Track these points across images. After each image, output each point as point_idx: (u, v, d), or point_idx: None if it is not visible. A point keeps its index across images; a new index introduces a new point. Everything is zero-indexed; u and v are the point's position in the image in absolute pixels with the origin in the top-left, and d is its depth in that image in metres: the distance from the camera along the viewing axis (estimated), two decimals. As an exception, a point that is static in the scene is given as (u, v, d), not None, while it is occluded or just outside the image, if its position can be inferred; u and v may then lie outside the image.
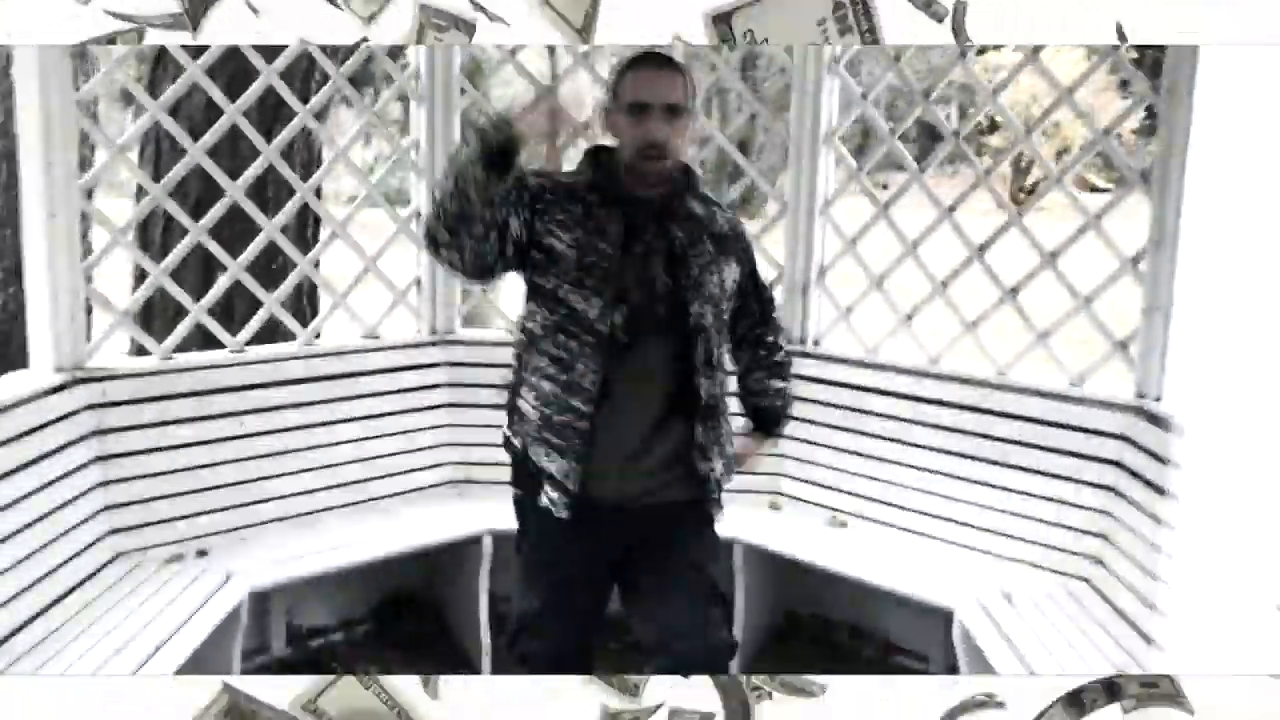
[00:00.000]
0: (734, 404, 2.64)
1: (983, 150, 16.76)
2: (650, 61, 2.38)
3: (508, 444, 2.50)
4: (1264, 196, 2.16)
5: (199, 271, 4.49)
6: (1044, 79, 3.61)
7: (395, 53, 4.41)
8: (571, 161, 2.54)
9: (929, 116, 3.93)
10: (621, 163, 2.38)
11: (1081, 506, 3.37)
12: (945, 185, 4.85)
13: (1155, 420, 3.23)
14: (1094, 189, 15.58)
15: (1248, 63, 1.83)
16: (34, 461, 3.05)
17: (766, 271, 4.07)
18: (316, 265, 4.16)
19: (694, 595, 2.44)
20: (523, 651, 2.52)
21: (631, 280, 2.33)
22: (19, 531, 2.93)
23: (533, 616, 2.51)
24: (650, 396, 2.38)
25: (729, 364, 2.56)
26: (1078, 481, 3.40)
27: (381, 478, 3.91)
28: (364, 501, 3.86)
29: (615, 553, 2.47)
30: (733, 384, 2.66)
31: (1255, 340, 1.82)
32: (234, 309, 4.33)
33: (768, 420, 2.73)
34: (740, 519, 3.76)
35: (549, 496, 2.40)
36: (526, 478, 2.45)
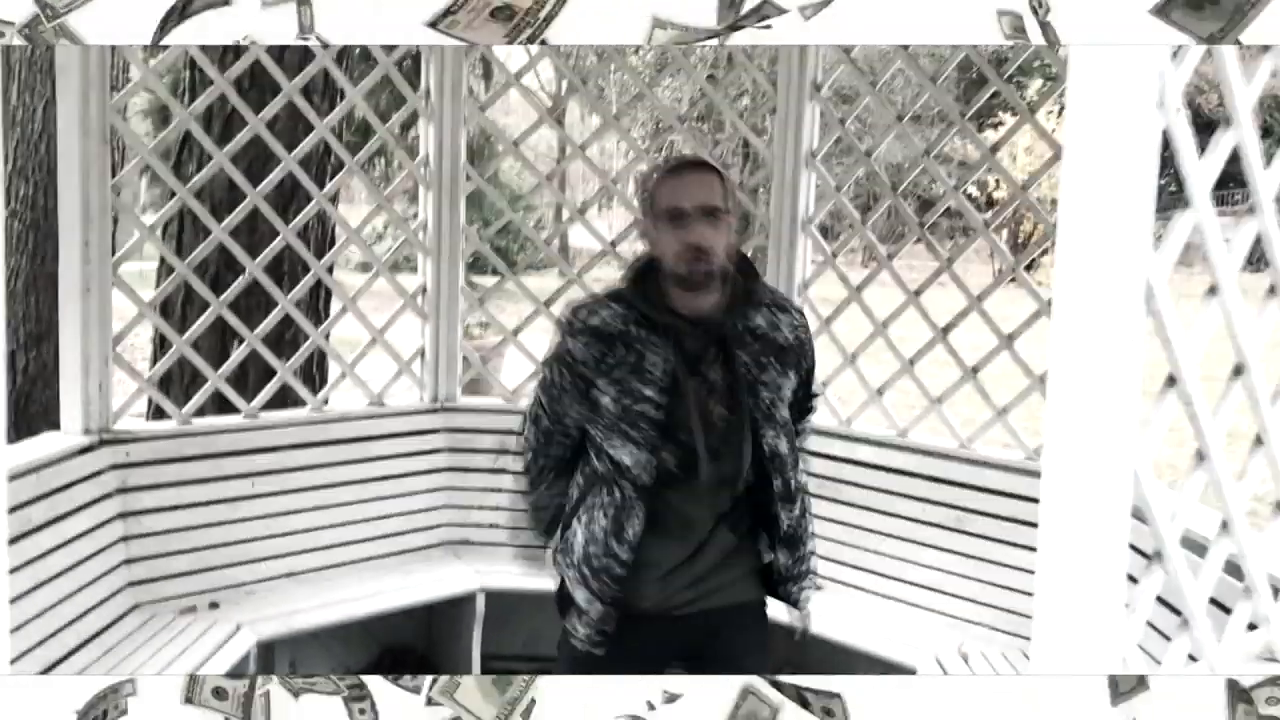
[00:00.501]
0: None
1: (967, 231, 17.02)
2: (683, 166, 2.32)
3: (554, 561, 2.46)
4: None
5: (215, 340, 4.77)
6: (1038, 156, 3.92)
7: (406, 142, 4.72)
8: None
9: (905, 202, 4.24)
10: (667, 276, 2.26)
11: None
12: (924, 267, 5.09)
13: (1102, 493, 3.47)
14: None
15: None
16: (62, 516, 3.31)
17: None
18: (327, 337, 4.44)
19: None
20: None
21: (682, 423, 2.23)
22: (47, 581, 3.17)
23: None
24: (708, 534, 2.31)
25: (804, 479, 2.42)
26: (1034, 549, 3.61)
27: (383, 537, 4.16)
28: (366, 560, 4.10)
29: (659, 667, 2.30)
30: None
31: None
32: (248, 375, 4.61)
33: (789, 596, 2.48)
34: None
35: (582, 634, 2.33)
36: (564, 602, 2.40)
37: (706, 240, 2.21)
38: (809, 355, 2.41)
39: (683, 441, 2.24)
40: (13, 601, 3.01)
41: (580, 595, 2.32)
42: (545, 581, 3.97)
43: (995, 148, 4.06)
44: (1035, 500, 3.46)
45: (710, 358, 2.26)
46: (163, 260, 5.14)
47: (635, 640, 2.30)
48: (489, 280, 4.93)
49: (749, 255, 2.45)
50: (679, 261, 2.22)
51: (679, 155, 2.51)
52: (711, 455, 2.24)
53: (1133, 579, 1.65)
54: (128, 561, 3.58)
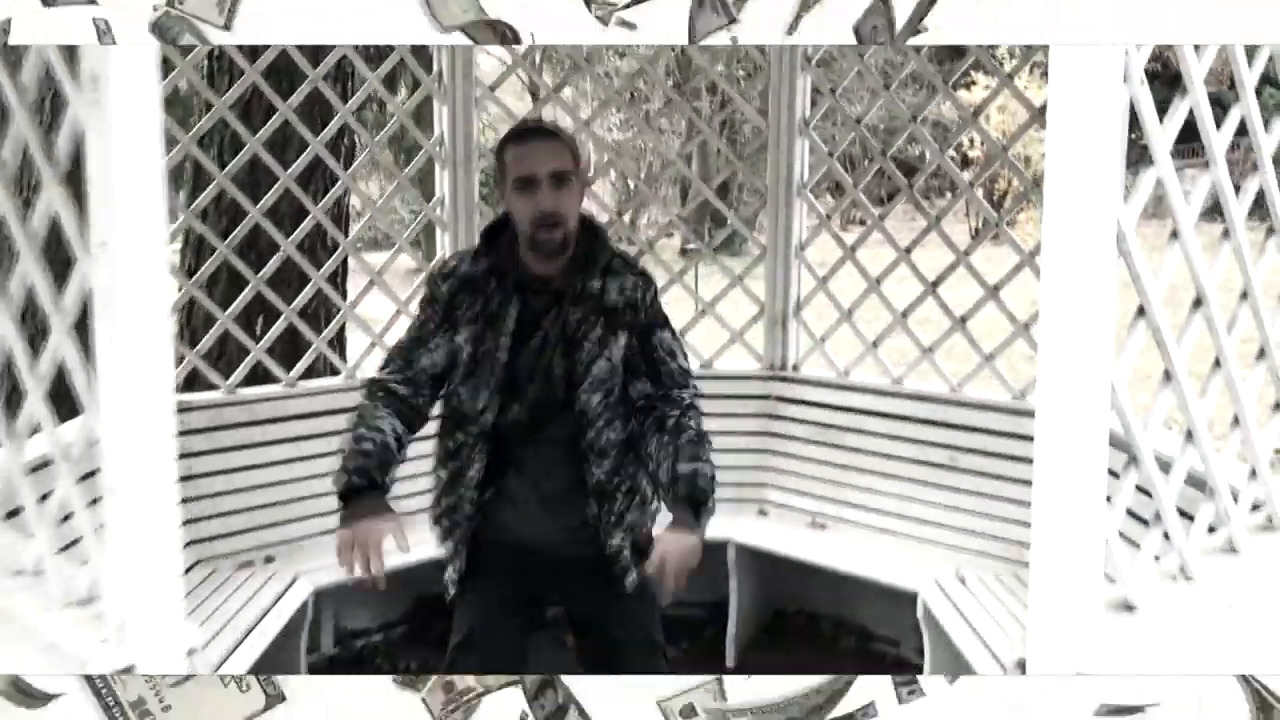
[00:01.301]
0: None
1: (954, 187, 17.34)
2: (531, 133, 2.44)
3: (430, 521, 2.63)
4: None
5: (240, 315, 5.02)
6: (1012, 114, 4.21)
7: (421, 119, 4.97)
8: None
9: (898, 158, 4.53)
10: (520, 239, 2.41)
11: (1027, 504, 3.90)
12: (905, 227, 5.40)
13: (1083, 427, 3.79)
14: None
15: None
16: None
17: (741, 308, 4.70)
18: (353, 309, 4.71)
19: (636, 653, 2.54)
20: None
21: (529, 373, 2.42)
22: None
23: (461, 645, 2.57)
24: (553, 486, 2.48)
25: (623, 437, 2.49)
26: (1025, 483, 3.93)
27: (415, 495, 4.42)
28: (406, 515, 4.36)
29: (523, 587, 2.56)
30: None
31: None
32: (276, 347, 4.87)
33: (678, 510, 2.37)
34: (731, 524, 4.33)
35: (447, 575, 2.58)
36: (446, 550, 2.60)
37: (557, 207, 2.35)
38: (643, 314, 2.47)
39: (523, 392, 2.42)
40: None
41: (443, 544, 2.56)
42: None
43: (977, 112, 4.34)
44: (1023, 437, 3.81)
45: (550, 318, 2.42)
46: (186, 240, 5.39)
47: (491, 577, 2.52)
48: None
49: (595, 220, 2.55)
50: (532, 228, 2.36)
51: (525, 121, 2.73)
52: (540, 403, 2.43)
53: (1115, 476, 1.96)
54: (187, 522, 3.84)
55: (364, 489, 2.38)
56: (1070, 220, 1.74)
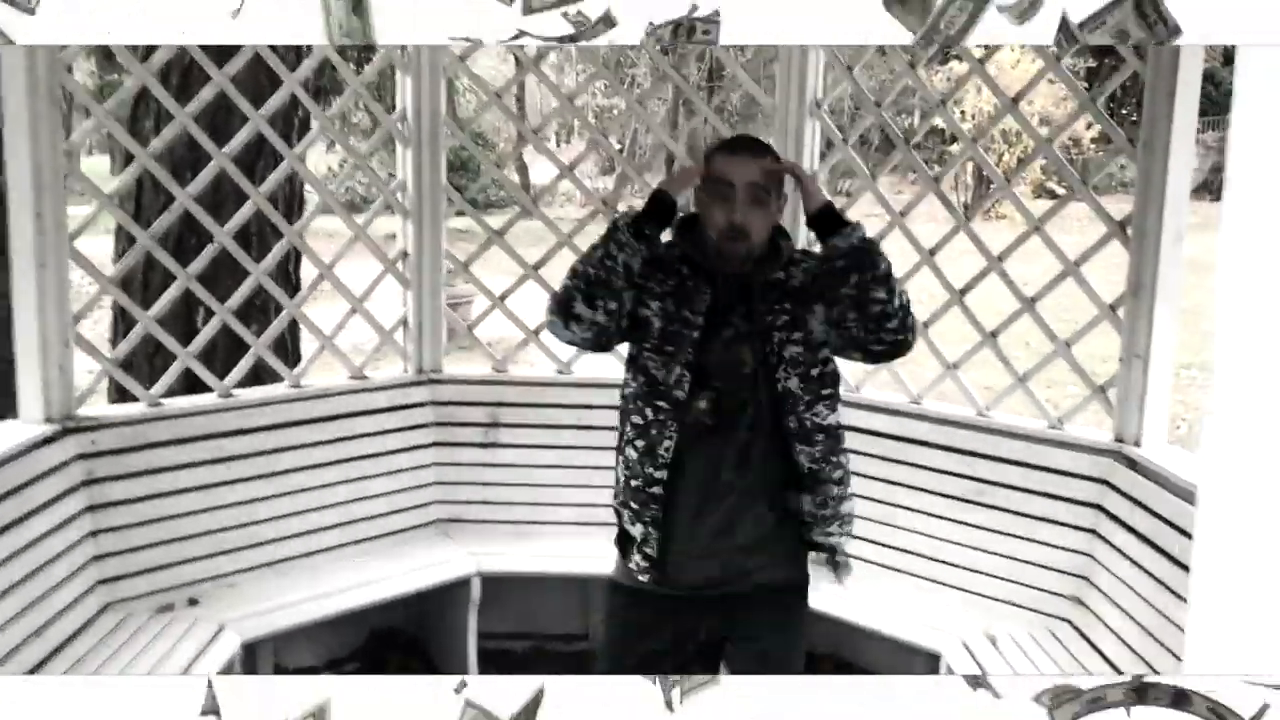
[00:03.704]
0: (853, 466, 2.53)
1: (944, 158, 16.98)
2: (736, 145, 2.41)
3: (613, 506, 2.52)
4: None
5: (179, 313, 4.47)
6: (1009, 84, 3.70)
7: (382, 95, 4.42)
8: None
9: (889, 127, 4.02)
10: (708, 239, 2.40)
11: (1062, 548, 3.44)
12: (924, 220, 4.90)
13: (1134, 465, 3.31)
14: (1054, 195, 15.80)
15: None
16: (25, 516, 3.05)
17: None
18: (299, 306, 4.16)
19: None
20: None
21: (717, 364, 2.37)
22: (10, 588, 2.92)
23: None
24: (738, 472, 2.38)
25: (838, 421, 2.45)
26: (1058, 523, 3.47)
27: (370, 519, 3.93)
28: (353, 544, 3.87)
29: (699, 637, 2.47)
30: (847, 451, 2.52)
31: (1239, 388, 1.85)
32: (216, 351, 4.32)
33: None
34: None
35: (634, 561, 2.43)
36: (621, 540, 2.48)
37: (745, 219, 2.33)
38: (830, 276, 2.34)
39: (716, 388, 2.36)
40: (-26, 612, 2.77)
41: (626, 521, 2.44)
42: (541, 562, 3.79)
43: (1018, 98, 3.81)
44: (1060, 472, 3.31)
45: (740, 312, 2.38)
46: (119, 228, 4.83)
47: (673, 603, 2.42)
48: (463, 222, 4.68)
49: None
50: (720, 237, 2.35)
51: (736, 135, 2.58)
52: (730, 399, 2.35)
53: None
54: (97, 558, 3.33)
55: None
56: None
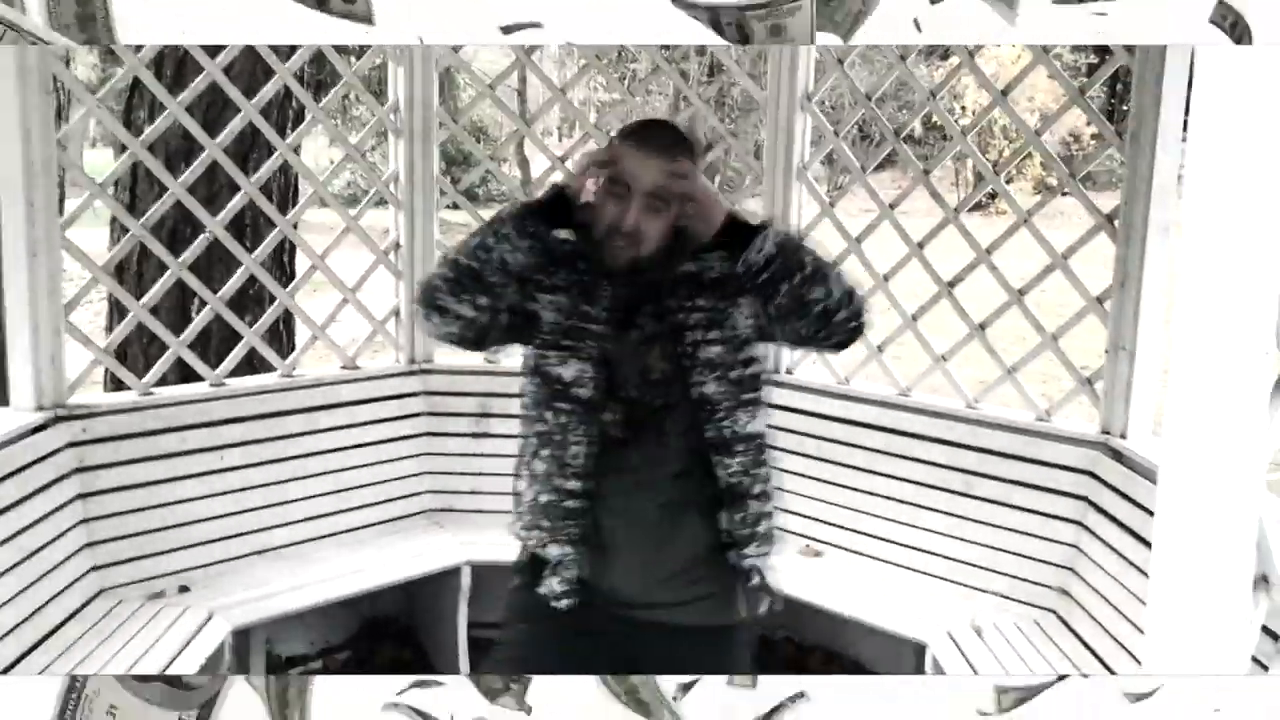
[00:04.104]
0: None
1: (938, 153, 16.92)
2: (649, 138, 2.11)
3: (515, 531, 2.22)
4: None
5: (173, 302, 4.49)
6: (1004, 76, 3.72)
7: (376, 87, 4.43)
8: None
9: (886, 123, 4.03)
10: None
11: (1049, 539, 3.45)
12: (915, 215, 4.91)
13: (1120, 457, 3.33)
14: (1051, 189, 15.74)
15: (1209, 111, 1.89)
16: (17, 501, 3.07)
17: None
18: (292, 296, 4.18)
19: None
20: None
21: (624, 371, 2.10)
22: (3, 573, 2.94)
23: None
24: (659, 488, 2.11)
25: (761, 428, 2.15)
26: (1044, 515, 3.48)
27: (360, 508, 3.94)
28: (344, 532, 3.88)
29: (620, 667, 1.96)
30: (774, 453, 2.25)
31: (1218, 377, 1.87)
32: (209, 340, 4.34)
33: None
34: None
35: (550, 587, 2.11)
36: (530, 567, 2.18)
37: (641, 226, 2.06)
38: (748, 289, 2.08)
39: (627, 398, 2.10)
40: (-35, 597, 2.79)
41: (545, 550, 2.13)
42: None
43: (1007, 90, 3.83)
44: (1048, 464, 3.32)
45: (648, 312, 2.12)
46: (115, 219, 4.85)
47: (589, 631, 2.11)
48: (456, 215, 4.69)
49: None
50: (606, 237, 2.08)
51: (654, 120, 2.33)
52: (640, 408, 2.09)
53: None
54: (89, 544, 3.34)
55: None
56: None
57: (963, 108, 17.84)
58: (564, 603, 2.11)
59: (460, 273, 2.04)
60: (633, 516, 2.11)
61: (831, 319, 2.05)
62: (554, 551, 2.11)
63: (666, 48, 5.28)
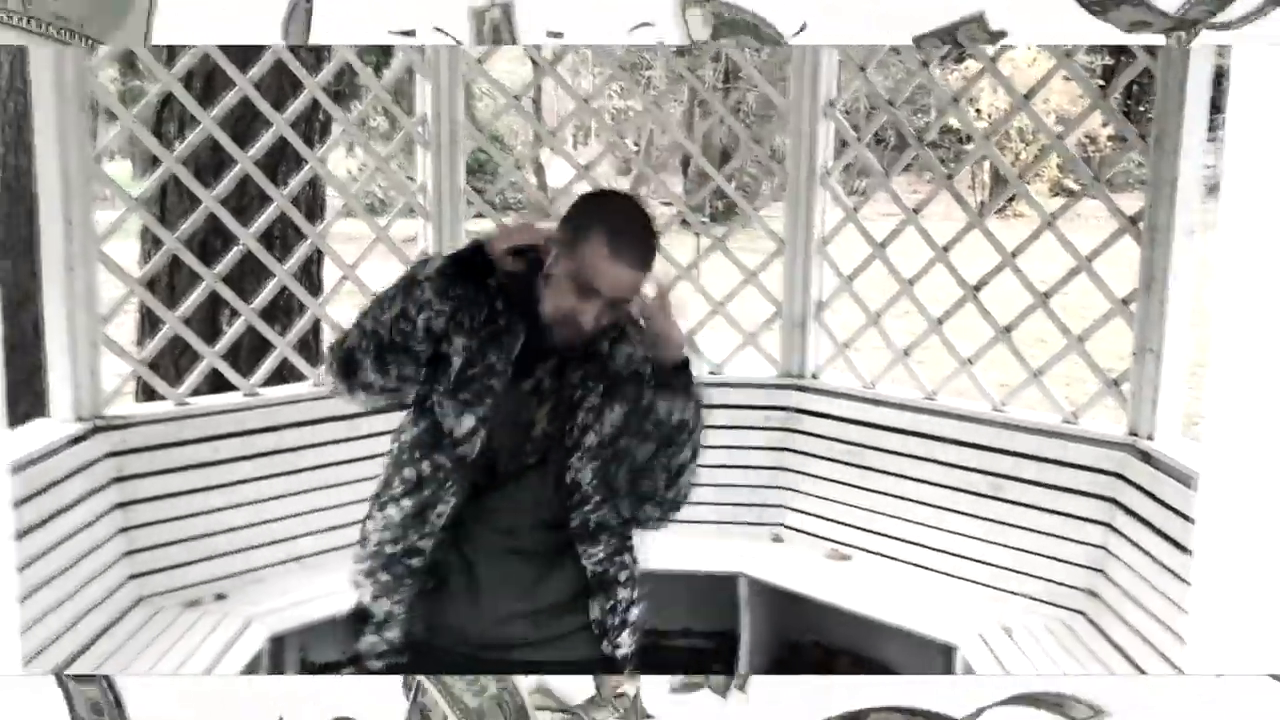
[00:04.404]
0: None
1: (960, 157, 16.95)
2: (632, 253, 1.93)
3: (353, 575, 2.09)
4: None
5: (204, 313, 4.54)
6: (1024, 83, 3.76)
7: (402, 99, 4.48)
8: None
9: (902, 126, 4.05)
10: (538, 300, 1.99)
11: (1077, 541, 3.47)
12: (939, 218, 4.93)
13: (1148, 459, 3.34)
14: (1070, 193, 15.77)
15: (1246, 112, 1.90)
16: (59, 511, 3.12)
17: (755, 308, 4.22)
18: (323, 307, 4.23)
19: None
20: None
21: (506, 415, 1.99)
22: (45, 583, 2.99)
23: None
24: (521, 532, 2.02)
25: (626, 514, 2.07)
26: (1073, 517, 3.49)
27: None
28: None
29: None
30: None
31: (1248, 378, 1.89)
32: (239, 350, 4.39)
33: None
34: (743, 552, 3.88)
35: (367, 644, 2.01)
36: (356, 618, 2.05)
37: (596, 323, 1.95)
38: (641, 392, 1.99)
39: (502, 441, 1.99)
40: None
41: (374, 603, 2.01)
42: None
43: (1030, 94, 3.85)
44: (1076, 466, 3.33)
45: (549, 368, 2.01)
46: (143, 233, 4.91)
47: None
48: (480, 225, 4.73)
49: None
50: (555, 318, 1.96)
51: (620, 199, 2.15)
52: (513, 458, 2.00)
53: None
54: (129, 553, 3.40)
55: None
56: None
57: (978, 111, 17.81)
58: (378, 663, 1.99)
59: (382, 347, 1.94)
60: (491, 560, 2.01)
61: (678, 479, 2.03)
62: (383, 606, 2.00)
63: (683, 54, 5.33)
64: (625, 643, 2.06)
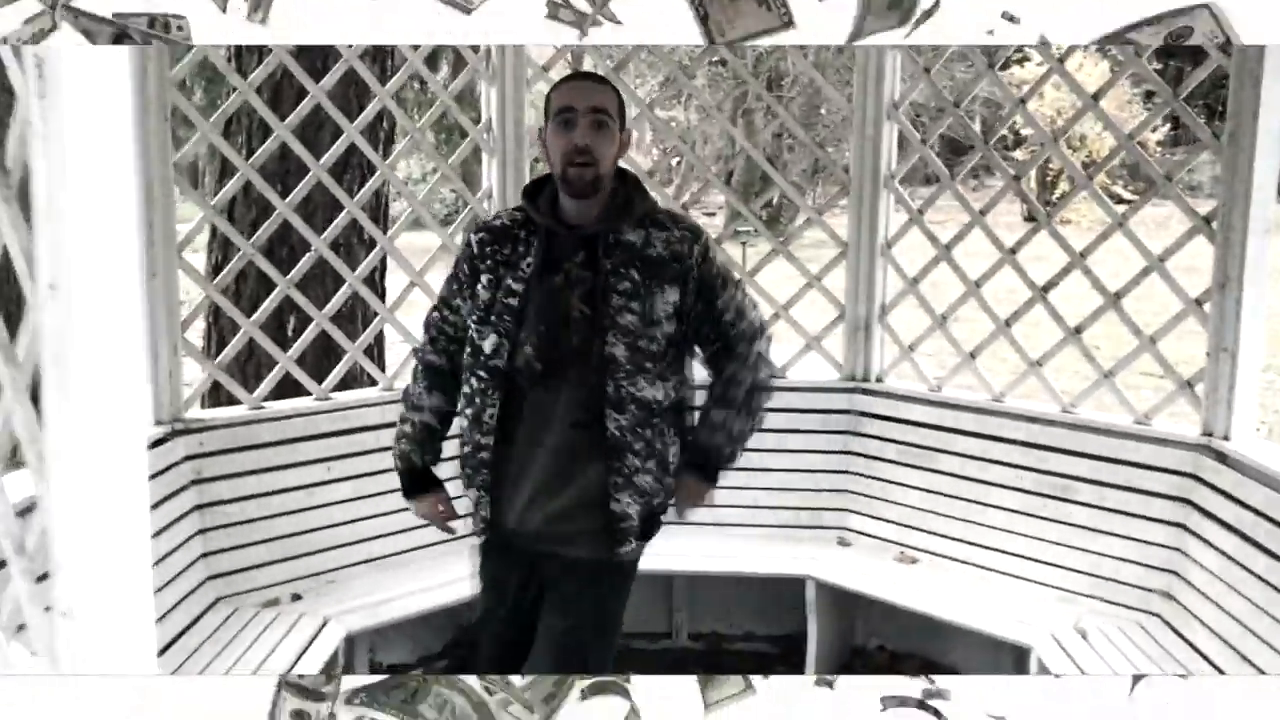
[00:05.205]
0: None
1: (1010, 163, 16.79)
2: (579, 75, 2.62)
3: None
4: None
5: (271, 320, 4.60)
6: (1070, 91, 3.73)
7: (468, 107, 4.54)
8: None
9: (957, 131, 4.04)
10: (556, 181, 2.41)
11: (1151, 543, 3.44)
12: (1003, 221, 4.92)
13: (1224, 459, 3.31)
14: (1120, 200, 15.62)
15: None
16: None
17: (818, 311, 4.22)
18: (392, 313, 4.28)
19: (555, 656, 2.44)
20: (462, 656, 2.73)
21: (542, 312, 2.37)
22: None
23: (473, 625, 2.76)
24: (560, 432, 2.40)
25: (657, 396, 2.41)
26: (1146, 518, 3.47)
27: (464, 517, 4.01)
28: (444, 542, 3.94)
29: (530, 585, 2.53)
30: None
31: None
32: (305, 356, 4.45)
33: (696, 456, 2.54)
34: (809, 555, 3.88)
35: (474, 523, 2.55)
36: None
37: (590, 143, 2.35)
38: (697, 271, 2.42)
39: (539, 332, 2.37)
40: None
41: (468, 491, 2.51)
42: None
43: (1031, 93, 3.83)
44: (1147, 467, 3.30)
45: (578, 259, 2.38)
46: (211, 241, 4.99)
47: (505, 554, 2.55)
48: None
49: (633, 172, 2.63)
50: (564, 163, 2.36)
51: (578, 70, 2.88)
52: (554, 345, 2.37)
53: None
54: (205, 555, 3.46)
55: (413, 470, 2.63)
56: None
57: (1052, 121, 17.70)
58: (479, 539, 2.58)
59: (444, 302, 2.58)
60: (531, 463, 2.42)
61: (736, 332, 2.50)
62: (472, 495, 2.50)
63: (723, 63, 5.32)
64: (626, 501, 2.40)
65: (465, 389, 2.46)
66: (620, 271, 2.37)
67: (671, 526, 3.67)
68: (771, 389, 2.56)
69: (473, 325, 2.44)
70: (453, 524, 2.69)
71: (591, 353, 2.35)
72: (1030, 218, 4.17)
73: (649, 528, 2.49)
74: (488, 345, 2.39)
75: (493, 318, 2.40)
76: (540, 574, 2.51)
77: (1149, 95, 18.74)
